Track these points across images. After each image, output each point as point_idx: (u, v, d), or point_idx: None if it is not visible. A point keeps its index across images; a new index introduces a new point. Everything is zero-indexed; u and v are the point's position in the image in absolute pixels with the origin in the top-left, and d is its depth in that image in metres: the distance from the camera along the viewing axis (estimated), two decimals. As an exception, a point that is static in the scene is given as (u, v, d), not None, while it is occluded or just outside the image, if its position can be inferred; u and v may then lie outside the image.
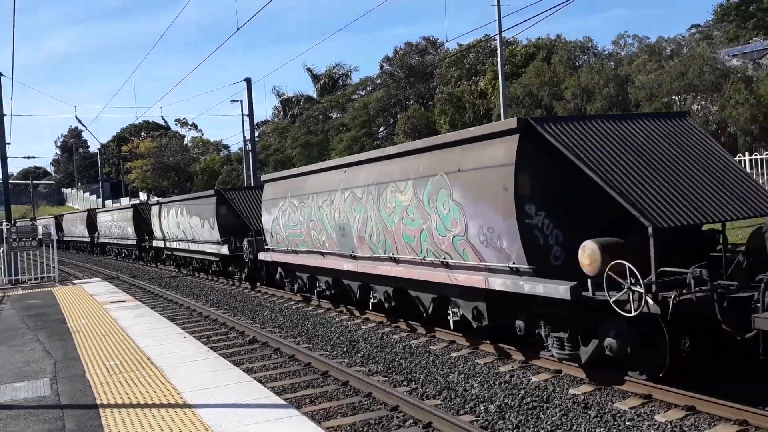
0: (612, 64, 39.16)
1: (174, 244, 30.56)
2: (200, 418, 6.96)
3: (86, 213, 54.37)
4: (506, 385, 9.56)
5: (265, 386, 8.76)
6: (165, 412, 7.19)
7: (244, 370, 9.88)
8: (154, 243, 34.24)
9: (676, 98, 31.64)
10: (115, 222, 42.60)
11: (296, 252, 17.46)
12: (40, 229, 25.46)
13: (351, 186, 14.20)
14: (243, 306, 19.09)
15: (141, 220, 37.42)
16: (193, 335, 13.02)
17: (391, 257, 12.81)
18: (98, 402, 7.72)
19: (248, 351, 12.90)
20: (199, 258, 27.82)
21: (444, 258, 11.14)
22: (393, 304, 13.61)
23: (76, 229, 57.94)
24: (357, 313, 15.85)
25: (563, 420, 8.03)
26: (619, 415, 8.07)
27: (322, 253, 15.92)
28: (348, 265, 14.59)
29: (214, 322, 16.56)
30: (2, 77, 27.86)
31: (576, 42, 42.62)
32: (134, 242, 38.55)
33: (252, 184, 36.71)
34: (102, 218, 47.77)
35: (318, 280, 16.97)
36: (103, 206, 64.84)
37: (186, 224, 27.64)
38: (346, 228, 14.45)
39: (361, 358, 11.77)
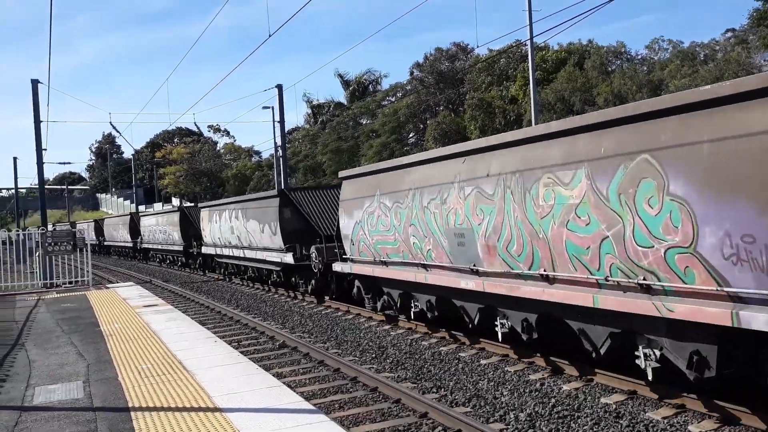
0: (645, 69, 38.76)
1: (226, 251, 27.74)
2: (230, 422, 6.99)
3: (129, 216, 51.23)
4: (536, 393, 9.47)
5: (294, 391, 8.79)
6: (195, 416, 7.24)
7: (273, 375, 9.92)
8: (203, 249, 31.35)
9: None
10: (160, 226, 39.66)
11: (385, 263, 14.53)
12: (79, 234, 25.69)
13: (475, 178, 11.10)
14: (273, 311, 19.19)
15: (188, 224, 34.64)
16: (224, 339, 13.10)
17: (541, 274, 9.67)
18: (130, 405, 7.80)
19: (278, 356, 12.96)
20: (256, 267, 24.97)
21: (643, 279, 7.98)
22: (535, 335, 10.50)
23: (118, 233, 54.58)
24: (464, 341, 12.94)
25: (595, 429, 7.93)
26: (651, 425, 7.95)
27: (425, 266, 12.93)
28: (466, 283, 11.45)
29: (245, 326, 16.67)
30: (39, 84, 28.33)
31: (609, 47, 42.27)
32: (180, 248, 35.85)
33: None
34: (146, 222, 44.55)
35: (414, 299, 13.96)
36: (137, 211, 64.49)
37: (241, 229, 24.99)
38: (465, 234, 11.40)
39: (390, 364, 11.75)
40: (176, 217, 35.93)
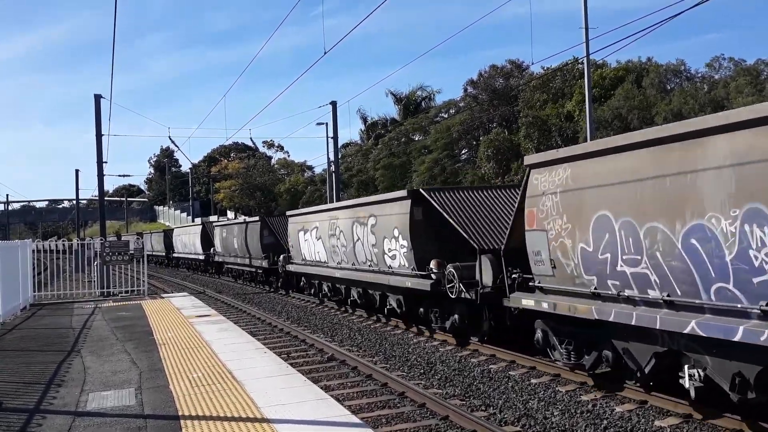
0: (705, 87, 37.96)
1: (323, 270, 22.42)
2: (277, 433, 7.01)
3: (200, 227, 45.95)
4: (588, 414, 9.25)
5: (341, 404, 8.76)
6: (244, 426, 7.28)
7: (321, 388, 9.92)
8: (291, 267, 26.22)
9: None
10: (237, 238, 34.53)
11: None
12: (136, 245, 26.05)
13: None
14: (322, 324, 19.24)
15: (271, 236, 29.70)
16: (274, 351, 13.16)
17: None
18: (180, 413, 7.87)
19: (326, 368, 12.98)
20: (365, 291, 19.47)
21: None
22: None
23: (188, 245, 49.12)
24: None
25: (648, 453, 7.69)
26: (708, 451, 7.67)
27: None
28: None
29: (294, 338, 16.75)
30: (101, 99, 29.18)
31: (668, 65, 41.56)
32: (261, 264, 30.42)
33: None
34: (220, 234, 39.22)
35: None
36: (186, 222, 64.23)
37: (347, 242, 19.87)
38: None
39: (439, 381, 11.65)
40: (257, 227, 30.86)
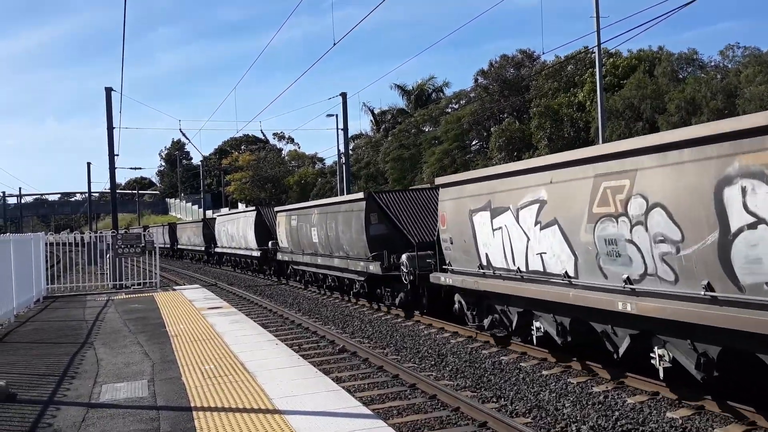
0: (719, 76, 37.68)
1: (558, 294, 10.62)
2: (289, 424, 7.03)
3: (255, 213, 34.82)
4: (600, 405, 9.23)
5: (353, 396, 8.78)
6: (255, 417, 7.31)
7: (333, 379, 9.94)
8: (446, 278, 14.80)
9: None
10: (317, 228, 23.62)
11: None
12: (148, 237, 26.18)
13: None
14: (334, 315, 19.28)
15: (385, 222, 19.44)
16: (285, 342, 13.20)
17: None
18: (192, 404, 7.92)
19: (337, 360, 13.01)
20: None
21: None
22: None
23: (236, 238, 38.31)
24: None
25: (660, 445, 7.67)
26: (721, 442, 7.64)
27: None
28: None
29: (306, 330, 16.80)
30: (112, 92, 29.27)
31: (681, 54, 41.25)
32: (368, 269, 19.25)
33: (346, 198, 23.03)
34: (287, 222, 27.86)
35: None
36: (204, 216, 62.53)
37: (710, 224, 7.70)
38: None
39: (450, 372, 11.65)
40: (360, 211, 19.75)
